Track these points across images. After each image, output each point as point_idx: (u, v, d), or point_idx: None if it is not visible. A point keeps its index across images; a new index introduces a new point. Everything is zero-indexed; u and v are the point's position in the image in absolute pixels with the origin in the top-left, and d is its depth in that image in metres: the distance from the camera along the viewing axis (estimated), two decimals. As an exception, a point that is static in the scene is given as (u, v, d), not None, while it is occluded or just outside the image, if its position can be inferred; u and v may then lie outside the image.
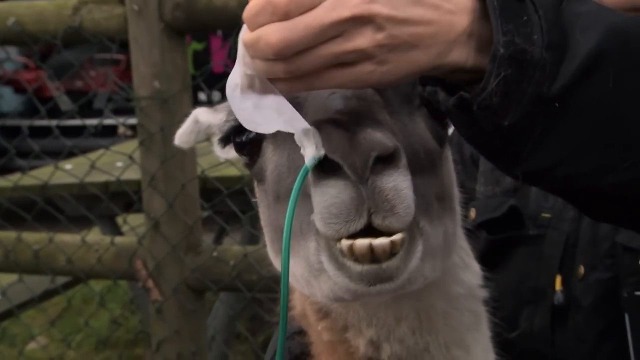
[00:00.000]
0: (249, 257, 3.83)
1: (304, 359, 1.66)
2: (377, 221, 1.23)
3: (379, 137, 1.22)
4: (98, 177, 4.77)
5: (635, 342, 1.89)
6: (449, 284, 1.52)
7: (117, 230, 5.44)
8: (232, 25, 3.69)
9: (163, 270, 4.01)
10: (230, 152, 1.76)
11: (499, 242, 2.10)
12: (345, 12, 1.18)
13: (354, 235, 1.23)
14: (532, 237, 2.07)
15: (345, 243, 1.24)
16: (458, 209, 1.50)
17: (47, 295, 5.40)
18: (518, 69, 1.25)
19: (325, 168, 1.22)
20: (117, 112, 5.48)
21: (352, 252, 1.24)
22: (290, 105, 1.27)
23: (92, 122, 5.46)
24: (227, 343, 5.11)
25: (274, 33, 1.19)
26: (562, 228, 2.04)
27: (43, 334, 6.54)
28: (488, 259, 1.92)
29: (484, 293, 1.59)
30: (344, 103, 1.30)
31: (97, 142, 5.72)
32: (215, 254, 3.94)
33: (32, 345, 6.57)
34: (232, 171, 4.21)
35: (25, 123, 5.27)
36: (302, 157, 1.24)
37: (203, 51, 11.23)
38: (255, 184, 1.54)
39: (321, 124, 1.25)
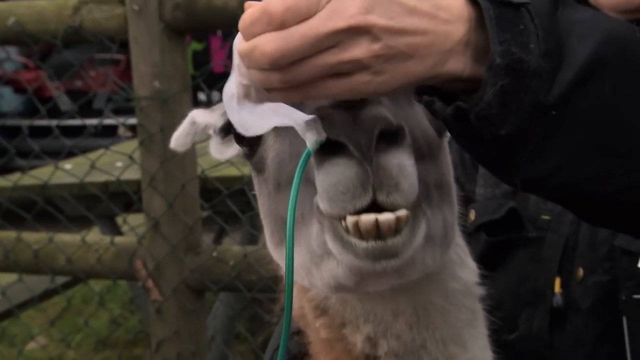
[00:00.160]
0: (249, 257, 3.83)
1: (302, 358, 1.66)
2: (382, 198, 1.23)
3: (382, 112, 1.23)
4: (98, 177, 4.77)
5: (632, 345, 1.89)
6: (446, 279, 1.52)
7: (117, 230, 5.44)
8: (232, 25, 3.69)
9: (163, 270, 4.01)
10: (226, 152, 1.76)
11: (498, 244, 2.10)
12: (341, 22, 1.17)
13: (358, 214, 1.24)
14: (531, 239, 2.07)
15: (350, 219, 1.24)
16: (456, 202, 1.50)
17: (47, 295, 5.41)
18: (515, 78, 1.25)
19: (327, 150, 1.23)
20: (117, 112, 5.49)
21: (357, 229, 1.24)
22: (287, 106, 1.27)
23: (92, 122, 5.45)
24: (226, 343, 5.12)
25: (270, 43, 1.18)
26: (562, 231, 2.04)
27: (42, 333, 6.54)
28: (487, 260, 1.92)
29: (480, 291, 1.59)
30: None
31: (97, 142, 5.72)
32: (215, 254, 3.95)
33: (31, 345, 6.58)
34: (232, 171, 4.21)
35: (25, 123, 5.28)
36: (304, 143, 1.24)
37: (203, 51, 11.23)
38: (255, 175, 1.54)
39: (322, 109, 1.26)
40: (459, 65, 1.26)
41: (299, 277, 1.43)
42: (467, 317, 1.55)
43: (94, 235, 4.76)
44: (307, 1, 1.18)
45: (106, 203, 4.69)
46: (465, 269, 1.57)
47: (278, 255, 1.52)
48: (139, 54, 3.90)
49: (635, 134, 1.33)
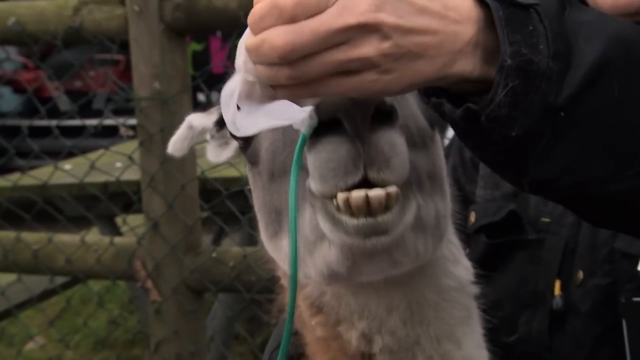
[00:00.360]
0: (248, 258, 3.83)
1: (299, 359, 1.67)
2: (372, 174, 1.24)
3: None
4: (97, 178, 4.77)
5: (632, 347, 1.89)
6: (439, 275, 1.52)
7: (116, 231, 5.44)
8: (232, 26, 3.70)
9: (162, 270, 4.01)
10: (223, 154, 1.76)
11: (498, 246, 2.10)
12: (351, 19, 1.17)
13: (350, 191, 1.25)
14: (531, 241, 2.07)
15: (341, 196, 1.25)
16: (449, 195, 1.50)
17: (46, 295, 5.40)
18: (525, 80, 1.25)
19: (319, 133, 1.23)
20: (117, 112, 5.49)
21: (348, 206, 1.25)
22: (285, 102, 1.26)
23: (91, 122, 5.46)
24: (225, 344, 5.11)
25: (280, 36, 1.17)
26: (561, 233, 2.04)
27: (41, 334, 6.54)
28: (487, 262, 1.92)
29: (475, 289, 1.59)
30: None
31: (96, 142, 5.72)
32: (214, 254, 3.95)
33: (30, 345, 6.57)
34: (232, 172, 4.21)
35: (24, 123, 5.28)
36: (297, 131, 1.25)
37: (202, 52, 11.23)
38: (249, 169, 1.54)
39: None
40: (468, 66, 1.25)
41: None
42: (461, 314, 1.55)
43: (94, 235, 4.76)
44: None
45: (106, 203, 4.69)
46: (459, 266, 1.57)
47: (273, 248, 1.52)
48: (139, 54, 3.90)
49: None
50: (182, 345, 4.07)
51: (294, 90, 1.22)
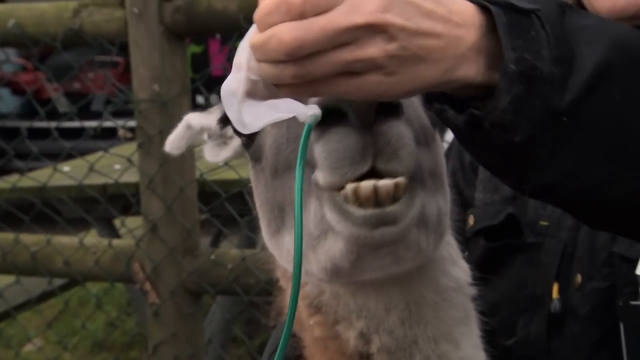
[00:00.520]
0: (247, 260, 3.83)
1: (298, 361, 1.67)
2: (380, 165, 1.25)
3: None
4: (96, 180, 4.77)
5: (629, 351, 1.89)
6: (438, 275, 1.53)
7: (114, 233, 5.44)
8: (232, 28, 3.70)
9: (160, 273, 4.01)
10: (220, 154, 1.76)
11: (496, 249, 2.10)
12: (359, 18, 1.17)
13: (358, 182, 1.25)
14: (529, 245, 2.07)
15: (350, 186, 1.25)
16: (449, 194, 1.50)
17: (44, 297, 5.39)
18: (529, 85, 1.25)
19: (325, 125, 1.24)
20: (116, 114, 5.49)
21: (356, 197, 1.25)
22: (288, 100, 1.26)
23: (90, 124, 5.46)
24: (223, 346, 5.11)
25: (289, 31, 1.17)
26: (560, 236, 2.04)
27: (39, 335, 6.53)
28: (486, 266, 1.93)
29: (473, 291, 1.59)
30: None
31: (95, 144, 5.72)
32: (212, 257, 3.95)
33: (28, 347, 6.56)
34: (231, 174, 4.22)
35: (23, 124, 5.27)
36: (301, 126, 1.25)
37: (201, 54, 11.23)
38: (252, 166, 1.54)
39: None
40: (471, 71, 1.25)
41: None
42: (459, 314, 1.55)
43: (92, 237, 4.76)
44: None
45: (104, 205, 4.68)
46: (457, 267, 1.57)
47: (274, 245, 1.51)
48: (138, 57, 3.91)
49: None
50: (180, 347, 4.07)
51: (297, 90, 1.22)
